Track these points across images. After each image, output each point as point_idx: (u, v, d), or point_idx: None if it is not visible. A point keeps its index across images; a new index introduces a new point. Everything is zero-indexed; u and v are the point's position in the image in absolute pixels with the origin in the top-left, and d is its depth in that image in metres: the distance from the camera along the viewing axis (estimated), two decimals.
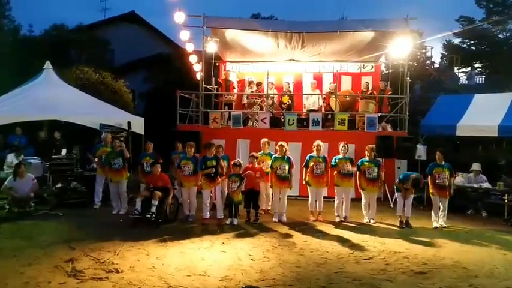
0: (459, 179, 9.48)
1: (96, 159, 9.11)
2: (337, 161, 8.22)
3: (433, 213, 8.04)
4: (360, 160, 8.34)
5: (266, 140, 8.81)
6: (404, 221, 7.90)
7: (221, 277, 4.98)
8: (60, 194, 8.90)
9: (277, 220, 8.09)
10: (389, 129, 11.31)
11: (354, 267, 5.51)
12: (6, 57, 13.83)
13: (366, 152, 8.28)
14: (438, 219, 7.96)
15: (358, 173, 8.19)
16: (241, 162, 8.31)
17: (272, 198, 8.65)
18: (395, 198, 9.21)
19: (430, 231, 7.67)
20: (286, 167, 8.03)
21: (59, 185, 9.02)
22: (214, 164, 7.79)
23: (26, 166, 8.62)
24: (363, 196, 8.25)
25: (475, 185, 9.26)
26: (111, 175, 8.56)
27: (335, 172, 8.22)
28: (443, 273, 5.35)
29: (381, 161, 8.44)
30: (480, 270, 5.46)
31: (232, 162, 8.11)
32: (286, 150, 8.19)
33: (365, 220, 8.13)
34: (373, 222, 8.01)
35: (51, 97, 9.61)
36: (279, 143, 8.25)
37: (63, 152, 9.91)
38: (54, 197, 8.70)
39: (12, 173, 8.28)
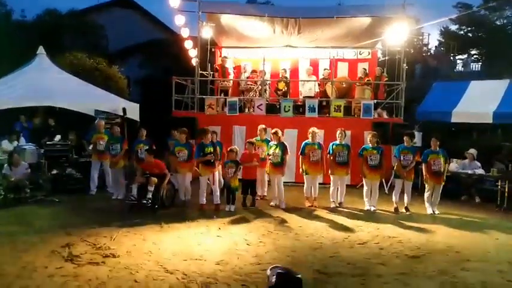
0: (453, 165, 9.55)
1: (91, 146, 9.12)
2: (334, 147, 8.22)
3: (426, 199, 8.11)
4: (362, 147, 8.32)
5: (263, 126, 8.80)
6: (396, 207, 8.01)
7: (217, 261, 5.03)
8: (56, 180, 8.89)
9: (274, 204, 8.15)
10: (385, 115, 11.32)
11: (349, 252, 5.58)
12: None
13: (369, 139, 8.26)
14: (431, 206, 8.04)
15: (360, 159, 8.17)
16: (238, 149, 8.32)
17: (269, 184, 8.70)
18: (390, 184, 9.31)
19: (424, 216, 7.76)
20: (280, 153, 8.05)
21: (54, 171, 9.01)
22: (212, 150, 7.80)
23: (20, 153, 8.59)
24: (364, 183, 8.23)
25: (469, 171, 9.34)
26: (110, 161, 8.66)
27: (331, 159, 8.23)
28: (437, 257, 5.44)
29: (383, 148, 8.34)
30: (473, 255, 5.55)
31: (228, 149, 8.12)
32: (280, 137, 8.21)
33: (366, 207, 8.10)
34: (374, 210, 8.00)
35: (45, 83, 9.50)
36: (273, 130, 8.26)
37: (57, 138, 9.87)
38: (49, 183, 8.69)
39: (6, 160, 8.25)
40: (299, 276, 2.28)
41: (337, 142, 8.25)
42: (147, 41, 18.52)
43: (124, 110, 9.70)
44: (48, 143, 9.32)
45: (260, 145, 8.48)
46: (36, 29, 15.58)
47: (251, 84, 12.14)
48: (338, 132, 8.29)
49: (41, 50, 10.47)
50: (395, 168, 8.21)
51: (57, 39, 15.30)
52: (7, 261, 4.88)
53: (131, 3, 20.62)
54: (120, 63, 15.38)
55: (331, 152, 8.21)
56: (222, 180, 8.19)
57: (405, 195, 8.04)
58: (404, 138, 8.17)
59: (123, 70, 14.91)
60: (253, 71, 12.49)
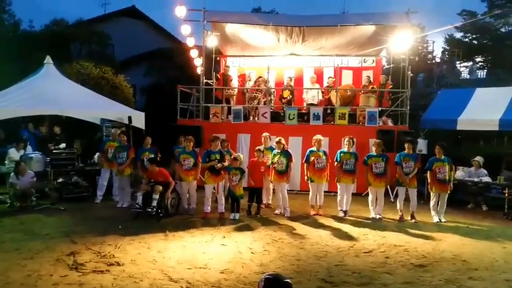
0: (460, 173, 9.49)
1: (97, 154, 9.20)
2: (341, 155, 8.18)
3: (432, 207, 8.05)
4: (367, 155, 8.30)
5: (267, 134, 8.83)
6: (401, 215, 7.96)
7: (222, 270, 5.01)
8: (62, 188, 8.95)
9: (279, 212, 8.14)
10: (390, 123, 11.30)
11: (354, 260, 5.54)
12: (7, 52, 13.80)
13: (373, 147, 8.24)
14: (438, 214, 7.97)
15: (365, 167, 8.13)
16: (241, 156, 8.33)
17: (274, 192, 8.69)
18: (396, 193, 9.24)
19: (430, 225, 7.69)
20: (284, 161, 8.05)
21: (60, 180, 9.07)
22: (218, 158, 7.82)
23: (27, 162, 8.68)
24: (369, 191, 8.20)
25: (476, 179, 9.27)
26: (117, 169, 8.72)
27: (338, 166, 8.18)
28: (443, 266, 5.38)
29: (388, 156, 8.30)
30: (480, 263, 5.48)
31: (232, 157, 8.14)
32: (284, 146, 8.21)
33: (371, 216, 8.05)
34: (380, 218, 7.95)
35: (52, 92, 9.59)
36: (277, 139, 8.26)
37: (62, 146, 9.95)
38: (55, 192, 8.74)
39: (13, 169, 8.32)
40: (287, 280, 2.26)
41: (345, 150, 8.22)
42: (153, 50, 18.71)
43: (130, 118, 9.78)
44: (54, 151, 9.40)
45: (265, 153, 8.47)
46: (44, 38, 15.78)
47: (255, 93, 12.18)
48: (346, 140, 8.25)
49: (48, 59, 10.60)
50: (397, 175, 8.17)
51: (64, 49, 15.50)
52: (12, 268, 4.89)
53: (137, 13, 20.87)
54: (126, 72, 15.51)
55: (338, 159, 8.18)
56: (223, 189, 8.16)
57: (411, 202, 7.99)
58: (406, 145, 8.16)
59: (129, 79, 15.03)
60: (259, 78, 12.52)
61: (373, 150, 8.21)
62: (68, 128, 11.01)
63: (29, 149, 10.01)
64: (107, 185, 9.12)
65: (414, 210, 7.97)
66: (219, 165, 7.76)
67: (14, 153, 9.50)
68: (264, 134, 8.83)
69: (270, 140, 8.77)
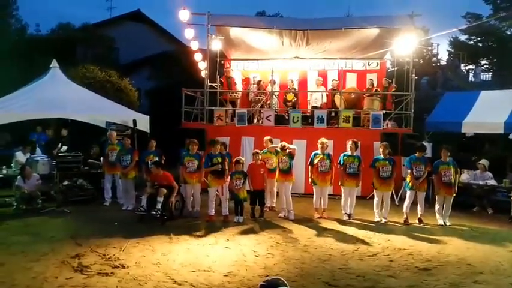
0: (465, 176, 9.43)
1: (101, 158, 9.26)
2: (344, 158, 8.16)
3: (437, 210, 8.01)
4: (374, 158, 8.28)
5: (269, 137, 8.85)
6: (406, 218, 7.93)
7: (225, 273, 5.02)
8: (67, 191, 9.01)
9: (283, 215, 8.13)
10: (394, 126, 11.26)
11: (358, 264, 5.52)
12: (14, 56, 13.95)
13: (380, 150, 8.20)
14: (443, 217, 7.93)
15: (372, 170, 8.11)
16: (243, 159, 8.34)
17: (277, 195, 8.69)
18: (401, 196, 9.22)
19: (435, 228, 7.65)
20: (288, 159, 8.09)
21: (65, 182, 9.13)
22: (220, 161, 7.84)
23: (33, 165, 8.75)
24: (375, 195, 8.14)
25: (481, 182, 9.21)
26: (121, 172, 8.75)
27: (341, 169, 8.16)
28: (448, 269, 5.35)
29: (395, 160, 8.26)
30: (485, 267, 5.45)
31: (234, 160, 8.14)
32: (287, 148, 8.21)
33: (376, 219, 8.00)
34: (386, 222, 7.90)
35: (58, 95, 9.69)
36: (280, 146, 8.20)
37: (63, 148, 10.01)
38: (61, 194, 8.80)
39: (19, 172, 8.40)
40: None
41: (348, 153, 8.21)
42: (158, 54, 18.84)
43: (134, 121, 9.84)
44: (60, 154, 9.46)
45: (268, 156, 8.49)
46: (50, 42, 15.94)
47: (259, 96, 12.20)
48: (350, 143, 8.23)
49: (54, 63, 10.70)
50: (408, 180, 8.13)
51: (70, 53, 15.65)
52: (18, 270, 4.93)
53: (142, 17, 21.05)
54: (131, 75, 15.61)
55: (341, 162, 8.16)
56: (227, 191, 8.16)
57: (418, 206, 7.95)
58: (417, 149, 8.13)
59: (133, 82, 15.13)
60: (258, 82, 12.51)
61: (380, 153, 8.19)
62: (74, 131, 11.08)
63: (38, 151, 10.09)
64: (111, 187, 9.16)
65: (422, 213, 7.94)
66: (219, 166, 7.78)
67: (20, 156, 9.59)
68: (265, 138, 8.85)
69: (272, 143, 8.78)
